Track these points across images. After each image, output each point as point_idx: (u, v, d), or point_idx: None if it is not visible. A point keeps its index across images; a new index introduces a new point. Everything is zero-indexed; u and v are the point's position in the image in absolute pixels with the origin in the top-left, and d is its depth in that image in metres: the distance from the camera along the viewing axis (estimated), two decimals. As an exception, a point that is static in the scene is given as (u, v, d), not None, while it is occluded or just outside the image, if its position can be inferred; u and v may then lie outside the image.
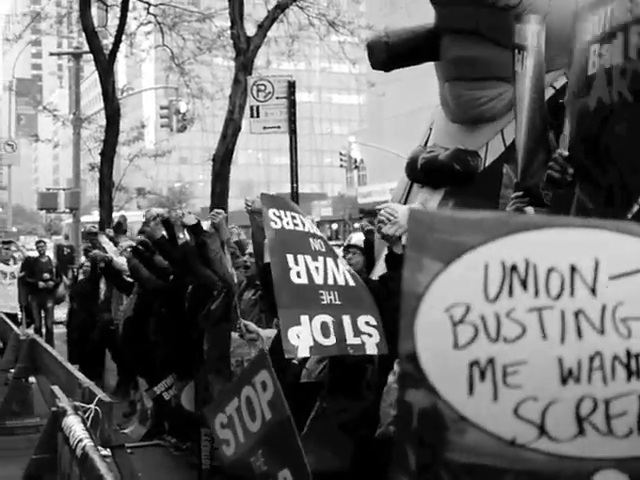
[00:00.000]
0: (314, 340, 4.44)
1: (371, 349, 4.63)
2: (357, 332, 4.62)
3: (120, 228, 12.08)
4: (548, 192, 4.18)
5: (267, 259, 5.43)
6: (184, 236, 8.11)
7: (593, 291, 1.57)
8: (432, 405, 1.55)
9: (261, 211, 6.32)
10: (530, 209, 3.95)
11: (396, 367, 4.56)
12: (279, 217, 4.71)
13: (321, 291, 4.61)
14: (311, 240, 4.78)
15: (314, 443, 4.70)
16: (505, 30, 5.75)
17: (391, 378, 4.57)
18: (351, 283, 4.79)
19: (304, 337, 4.40)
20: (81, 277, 13.00)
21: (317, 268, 4.67)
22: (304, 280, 4.57)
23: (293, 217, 4.79)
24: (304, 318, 4.46)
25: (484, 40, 5.91)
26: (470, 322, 1.56)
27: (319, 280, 4.64)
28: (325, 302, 4.59)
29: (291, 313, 4.45)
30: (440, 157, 6.25)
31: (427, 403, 1.55)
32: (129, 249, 9.22)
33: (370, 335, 4.64)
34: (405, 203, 6.81)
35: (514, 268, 1.57)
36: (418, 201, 6.41)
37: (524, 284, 1.57)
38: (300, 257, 4.63)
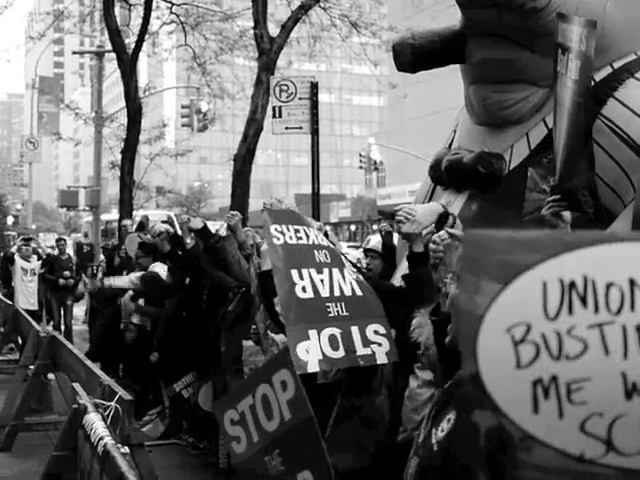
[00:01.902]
0: (323, 354, 4.44)
1: (381, 358, 4.64)
2: (366, 342, 4.62)
3: (142, 228, 12.13)
4: (588, 198, 4.13)
5: (264, 267, 5.47)
6: (191, 241, 8.18)
7: None
8: (498, 425, 1.57)
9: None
10: (567, 213, 3.90)
11: (417, 371, 4.54)
12: (281, 232, 4.71)
13: (328, 304, 4.62)
14: (315, 252, 4.78)
15: (341, 442, 4.70)
16: (532, 33, 5.72)
17: (413, 383, 4.54)
18: (358, 292, 4.79)
19: (313, 352, 4.41)
20: (100, 275, 13.06)
21: (322, 281, 4.67)
22: (310, 294, 4.58)
23: (296, 230, 4.78)
24: (312, 332, 4.47)
25: (510, 42, 5.87)
26: (531, 341, 1.56)
27: (325, 293, 4.65)
28: (332, 314, 4.60)
29: (299, 329, 4.46)
30: (464, 159, 6.21)
31: (493, 423, 1.58)
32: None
33: (380, 344, 4.65)
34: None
35: (572, 285, 1.56)
36: (442, 203, 6.38)
37: (583, 301, 1.56)
38: (305, 271, 4.64)
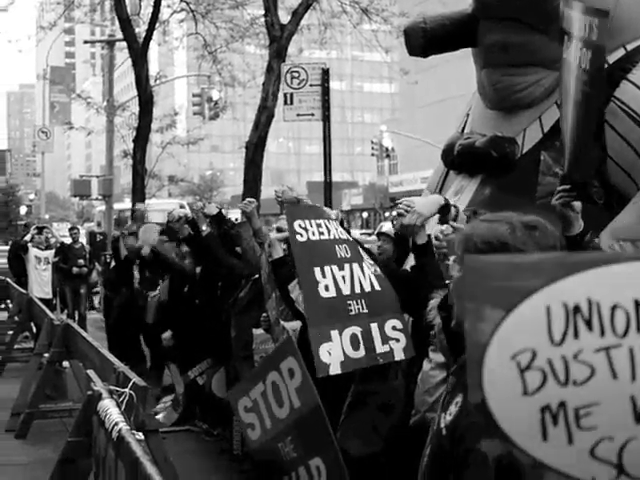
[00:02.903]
0: (345, 355, 4.44)
1: (399, 355, 4.63)
2: (385, 339, 4.60)
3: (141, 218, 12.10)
4: (598, 189, 4.10)
5: (275, 255, 5.48)
6: (206, 228, 8.17)
7: None
8: (507, 453, 1.58)
9: (293, 201, 6.33)
10: (578, 204, 3.88)
11: (431, 354, 4.54)
12: (304, 229, 4.65)
13: (349, 301, 4.59)
14: (337, 247, 4.73)
15: (355, 428, 4.70)
16: (544, 15, 5.68)
17: (426, 365, 4.55)
18: (377, 287, 4.75)
19: (335, 353, 4.40)
20: (113, 264, 13.13)
21: (344, 277, 4.63)
22: (332, 293, 4.55)
23: (318, 225, 4.73)
24: (334, 333, 4.45)
25: (522, 25, 5.84)
26: (538, 367, 1.55)
27: (347, 290, 4.61)
28: (353, 312, 4.57)
29: (321, 330, 4.44)
30: (477, 143, 6.19)
31: (502, 451, 1.60)
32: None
33: (397, 340, 4.63)
34: (441, 190, 6.76)
35: (577, 309, 1.55)
36: (454, 188, 6.36)
37: (589, 324, 1.55)
38: (327, 268, 4.60)
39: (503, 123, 6.20)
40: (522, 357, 1.54)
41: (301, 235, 4.62)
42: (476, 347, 1.55)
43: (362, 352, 4.50)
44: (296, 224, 4.64)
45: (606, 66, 5.61)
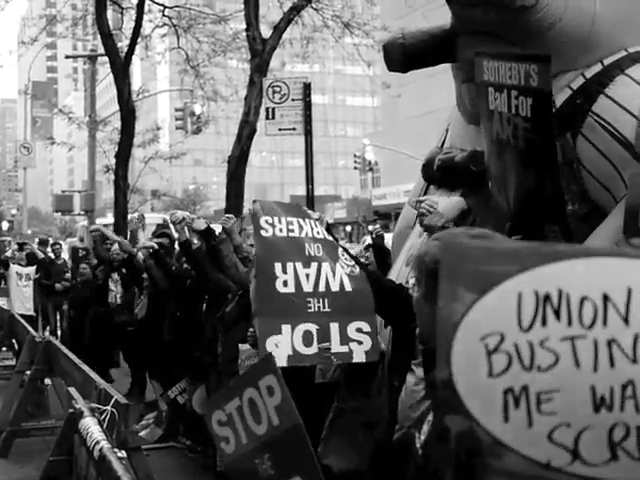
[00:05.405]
0: (293, 349, 4.43)
1: (359, 357, 4.61)
2: (345, 340, 4.59)
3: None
4: (557, 233, 4.09)
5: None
6: (197, 242, 8.13)
7: (626, 320, 1.59)
8: (469, 429, 1.60)
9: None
10: None
11: (415, 368, 4.52)
12: (271, 224, 4.69)
13: (309, 299, 4.60)
14: (306, 245, 4.74)
15: (336, 443, 4.69)
16: (522, 30, 5.72)
17: (410, 379, 4.53)
18: (347, 288, 4.74)
19: (283, 346, 4.40)
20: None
21: (308, 275, 4.66)
22: (290, 289, 4.57)
23: (289, 222, 4.75)
24: (286, 327, 4.45)
25: (500, 40, 5.87)
26: (504, 351, 1.60)
27: (308, 288, 4.63)
28: (312, 310, 4.58)
29: (271, 322, 4.46)
30: (456, 158, 6.20)
31: (464, 427, 1.60)
32: (150, 250, 9.24)
33: (360, 342, 4.62)
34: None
35: (547, 298, 1.59)
36: (434, 203, 6.38)
37: (557, 313, 1.59)
38: (289, 264, 4.62)
39: (482, 138, 6.22)
40: (490, 340, 1.58)
41: (266, 230, 4.66)
42: (447, 326, 1.60)
43: (314, 349, 4.50)
44: (262, 220, 4.69)
45: (584, 80, 5.67)
